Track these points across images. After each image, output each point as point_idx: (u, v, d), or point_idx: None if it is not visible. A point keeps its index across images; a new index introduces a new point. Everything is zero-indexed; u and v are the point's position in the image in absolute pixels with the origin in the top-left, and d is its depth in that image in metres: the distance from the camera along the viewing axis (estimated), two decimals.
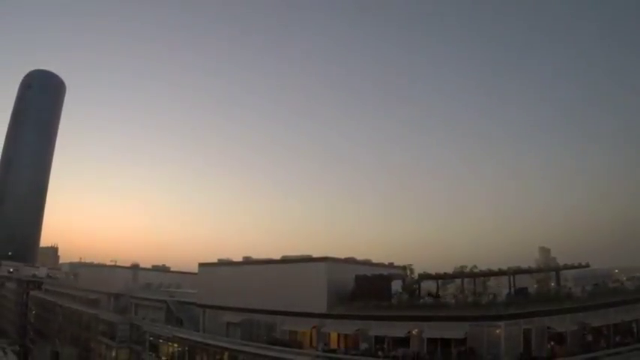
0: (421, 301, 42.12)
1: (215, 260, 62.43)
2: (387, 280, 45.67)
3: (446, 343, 36.55)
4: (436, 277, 43.59)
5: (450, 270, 42.99)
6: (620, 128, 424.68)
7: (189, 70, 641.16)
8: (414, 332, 37.82)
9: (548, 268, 38.90)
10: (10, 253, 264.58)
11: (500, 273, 40.13)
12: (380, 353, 39.03)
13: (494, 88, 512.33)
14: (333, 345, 43.48)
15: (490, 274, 40.51)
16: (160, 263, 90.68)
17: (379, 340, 40.38)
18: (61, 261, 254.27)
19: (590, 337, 38.15)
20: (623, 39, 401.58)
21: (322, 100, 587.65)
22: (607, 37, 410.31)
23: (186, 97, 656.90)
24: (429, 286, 45.28)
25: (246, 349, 46.21)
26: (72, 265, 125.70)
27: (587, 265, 42.35)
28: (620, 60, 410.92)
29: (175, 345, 56.31)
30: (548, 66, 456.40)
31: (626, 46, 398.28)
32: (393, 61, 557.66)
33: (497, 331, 34.78)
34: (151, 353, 60.41)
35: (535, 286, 38.98)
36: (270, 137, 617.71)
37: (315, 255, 50.03)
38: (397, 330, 39.00)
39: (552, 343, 36.46)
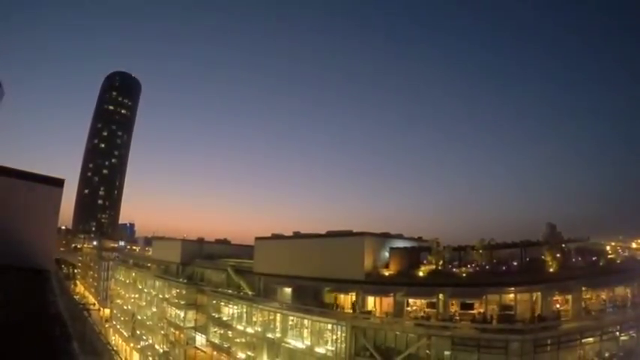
0: (446, 269, 43.49)
1: (269, 235, 64.47)
2: (417, 251, 47.10)
3: (468, 306, 39.00)
4: (459, 248, 44.71)
5: (471, 242, 44.01)
6: (619, 113, 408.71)
7: (241, 69, 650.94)
8: (440, 297, 39.51)
9: (554, 241, 40.17)
10: (93, 229, 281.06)
11: (514, 245, 41.39)
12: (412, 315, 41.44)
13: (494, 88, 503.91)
14: (370, 308, 45.62)
15: (505, 246, 41.81)
16: (222, 237, 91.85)
17: (410, 303, 42.90)
18: (137, 235, 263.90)
19: (590, 301, 40.06)
20: None
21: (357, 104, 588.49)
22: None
23: (245, 94, 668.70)
24: (453, 256, 45.95)
25: (296, 310, 48.77)
26: (146, 239, 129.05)
27: (588, 239, 43.25)
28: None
29: (235, 307, 58.65)
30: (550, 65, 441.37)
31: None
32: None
33: (511, 296, 37.03)
34: (214, 314, 62.99)
35: (542, 256, 40.25)
36: (316, 138, 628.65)
37: (355, 230, 51.06)
38: (425, 295, 40.85)
39: (558, 305, 38.45)
